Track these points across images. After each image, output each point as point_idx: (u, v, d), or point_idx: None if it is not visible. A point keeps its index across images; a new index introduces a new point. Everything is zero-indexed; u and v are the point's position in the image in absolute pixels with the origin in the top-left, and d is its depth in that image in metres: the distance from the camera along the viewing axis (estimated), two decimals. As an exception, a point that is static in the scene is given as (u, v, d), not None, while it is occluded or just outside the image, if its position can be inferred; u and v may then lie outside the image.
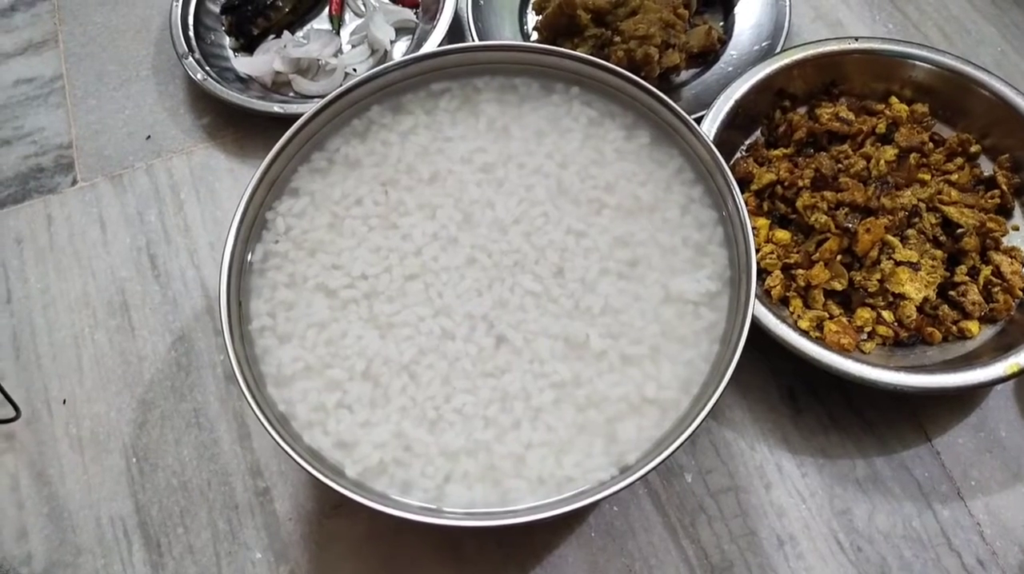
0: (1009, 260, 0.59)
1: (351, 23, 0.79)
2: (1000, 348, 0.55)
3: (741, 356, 0.46)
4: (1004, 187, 0.62)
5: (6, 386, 0.61)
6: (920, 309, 0.58)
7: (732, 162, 0.65)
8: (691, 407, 0.47)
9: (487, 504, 0.46)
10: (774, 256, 0.60)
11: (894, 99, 0.66)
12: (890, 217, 0.59)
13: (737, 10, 0.74)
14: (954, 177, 0.63)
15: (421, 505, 0.46)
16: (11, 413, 0.60)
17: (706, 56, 0.72)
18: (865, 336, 0.58)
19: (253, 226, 0.53)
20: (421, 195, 0.54)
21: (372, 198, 0.54)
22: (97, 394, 0.62)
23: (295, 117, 0.54)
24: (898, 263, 0.58)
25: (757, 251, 0.61)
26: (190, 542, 0.57)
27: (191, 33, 0.75)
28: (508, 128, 0.56)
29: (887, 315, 0.58)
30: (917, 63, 0.65)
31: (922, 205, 0.60)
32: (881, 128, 0.64)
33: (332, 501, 0.57)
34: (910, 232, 0.59)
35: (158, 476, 0.59)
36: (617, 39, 0.67)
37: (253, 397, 0.46)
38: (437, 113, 0.57)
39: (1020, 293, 0.58)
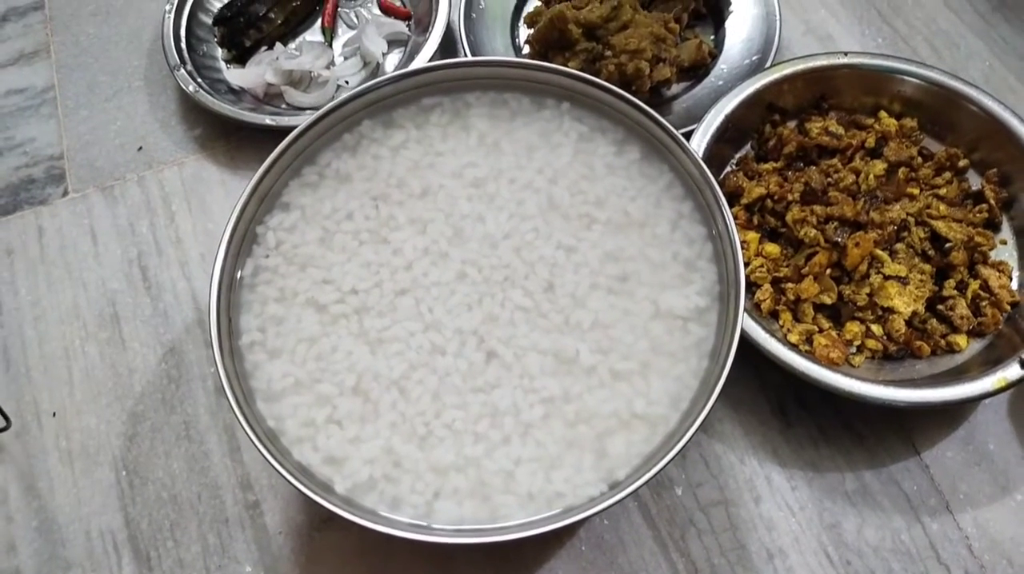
0: (997, 274, 0.60)
1: (343, 35, 0.79)
2: (988, 362, 0.56)
3: (731, 370, 0.46)
4: (992, 201, 0.62)
5: (-4, 399, 0.61)
6: (909, 323, 0.58)
7: (722, 176, 0.66)
8: (680, 423, 0.47)
9: (477, 520, 0.46)
10: (764, 270, 0.61)
11: (883, 113, 0.66)
12: (879, 231, 0.59)
13: (728, 24, 0.75)
14: (942, 191, 0.63)
15: (410, 521, 0.46)
16: (1, 424, 0.60)
17: (697, 70, 0.72)
18: (854, 350, 0.58)
19: (244, 240, 0.53)
20: (412, 210, 0.54)
21: (363, 213, 0.54)
22: (87, 406, 0.62)
23: (287, 129, 0.55)
24: (887, 277, 0.58)
25: (747, 265, 0.61)
26: (180, 556, 0.56)
27: (183, 44, 0.75)
28: (499, 143, 0.56)
29: (876, 329, 0.58)
30: (906, 78, 0.65)
31: (911, 219, 0.60)
32: (870, 142, 0.64)
33: (322, 515, 0.57)
34: (899, 246, 0.60)
35: (148, 489, 0.59)
36: (608, 53, 0.67)
37: (242, 412, 0.46)
38: (428, 128, 0.57)
39: (1008, 307, 0.59)
